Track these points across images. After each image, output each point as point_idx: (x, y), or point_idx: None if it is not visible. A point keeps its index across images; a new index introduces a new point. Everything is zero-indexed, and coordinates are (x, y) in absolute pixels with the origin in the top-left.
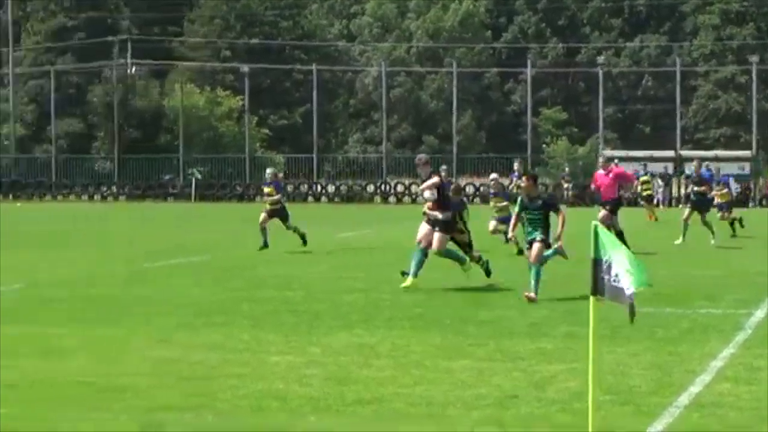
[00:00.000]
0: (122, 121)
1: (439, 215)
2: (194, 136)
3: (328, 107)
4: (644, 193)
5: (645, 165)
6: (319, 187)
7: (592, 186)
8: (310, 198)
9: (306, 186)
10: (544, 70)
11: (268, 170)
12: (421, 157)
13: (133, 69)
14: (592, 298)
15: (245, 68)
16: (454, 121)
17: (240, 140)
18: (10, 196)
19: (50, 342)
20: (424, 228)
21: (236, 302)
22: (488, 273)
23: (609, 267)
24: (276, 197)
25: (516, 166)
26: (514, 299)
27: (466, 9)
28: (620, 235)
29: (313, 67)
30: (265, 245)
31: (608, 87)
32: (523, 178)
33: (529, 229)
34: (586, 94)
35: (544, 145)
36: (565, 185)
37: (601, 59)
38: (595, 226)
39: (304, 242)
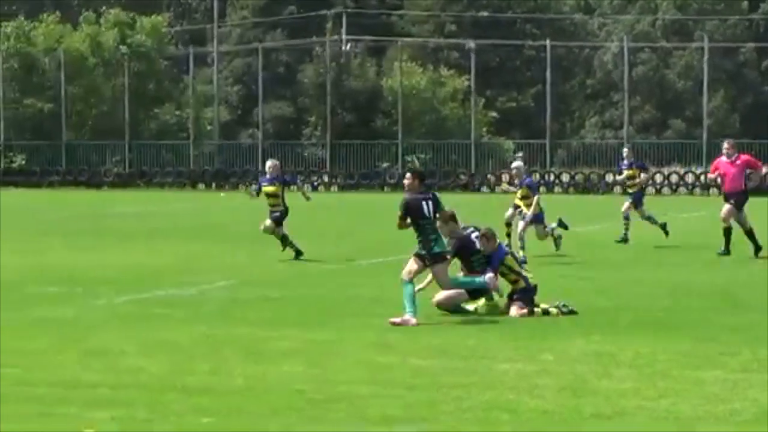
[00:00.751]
0: (335, 104)
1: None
2: (414, 120)
3: (562, 87)
4: None
5: None
6: (552, 176)
7: (710, 175)
8: (542, 188)
9: (538, 175)
10: None
11: (269, 163)
12: (444, 213)
13: (348, 46)
14: None
15: (471, 44)
16: (704, 102)
17: (465, 124)
18: (213, 186)
19: (259, 345)
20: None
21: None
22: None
23: None
24: (277, 197)
25: (625, 152)
26: None
27: None
28: (750, 234)
29: (547, 42)
30: (298, 252)
31: None
32: (407, 175)
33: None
34: None
35: None
36: None
37: None
38: None
39: (297, 256)
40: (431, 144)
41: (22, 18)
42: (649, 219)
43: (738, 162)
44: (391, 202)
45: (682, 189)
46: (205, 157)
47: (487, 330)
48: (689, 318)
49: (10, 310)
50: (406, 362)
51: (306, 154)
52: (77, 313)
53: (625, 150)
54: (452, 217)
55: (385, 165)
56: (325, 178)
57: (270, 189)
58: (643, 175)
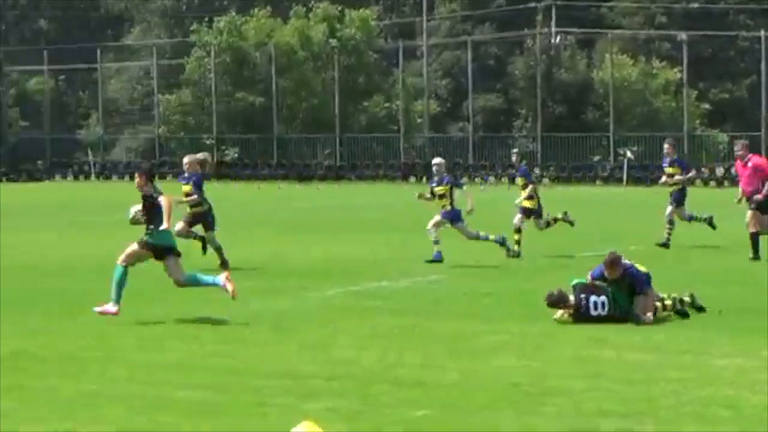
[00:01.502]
0: (546, 96)
1: None
2: (626, 113)
3: None
4: None
5: None
6: None
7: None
8: None
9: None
10: None
11: (186, 159)
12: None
13: (558, 38)
14: None
15: (683, 36)
16: None
17: (677, 116)
18: (423, 179)
19: (470, 339)
20: None
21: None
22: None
23: None
24: (194, 197)
25: (666, 148)
26: None
27: None
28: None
29: (761, 33)
30: (203, 247)
31: None
32: (136, 175)
33: None
34: None
35: None
36: None
37: None
38: None
39: (224, 265)
40: (643, 137)
41: (234, 13)
42: (692, 219)
43: (749, 164)
44: (605, 195)
45: None
46: (418, 149)
47: (704, 325)
48: None
49: (230, 303)
50: (622, 357)
51: (516, 147)
52: (291, 305)
53: (666, 145)
54: None
55: (597, 158)
56: (537, 171)
57: (186, 188)
58: (683, 175)
